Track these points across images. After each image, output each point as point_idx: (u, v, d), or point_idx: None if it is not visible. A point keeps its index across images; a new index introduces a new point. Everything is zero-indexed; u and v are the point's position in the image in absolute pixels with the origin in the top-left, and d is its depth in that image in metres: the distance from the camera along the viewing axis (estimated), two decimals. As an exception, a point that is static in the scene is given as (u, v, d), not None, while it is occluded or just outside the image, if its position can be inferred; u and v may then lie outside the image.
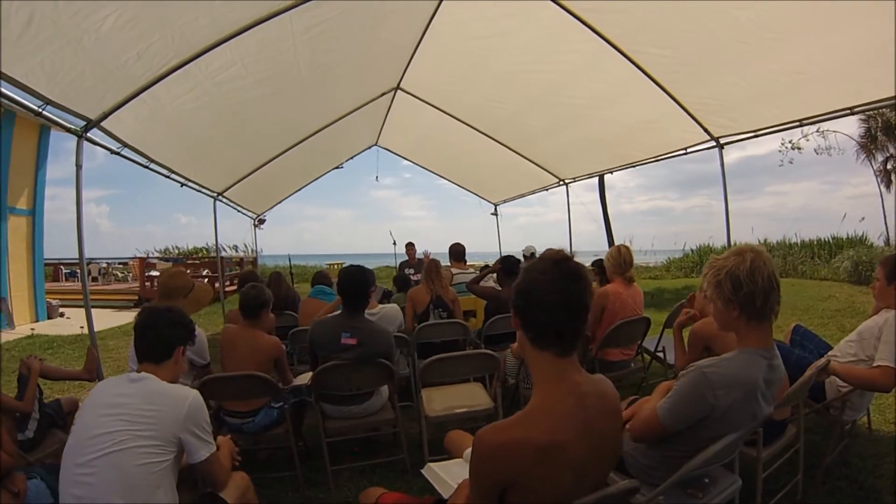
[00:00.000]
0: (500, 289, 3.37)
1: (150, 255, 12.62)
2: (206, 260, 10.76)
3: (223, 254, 12.14)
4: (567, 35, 3.42)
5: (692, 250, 13.51)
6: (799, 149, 11.04)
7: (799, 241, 12.38)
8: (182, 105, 3.06)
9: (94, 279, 12.07)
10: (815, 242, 12.09)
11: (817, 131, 10.81)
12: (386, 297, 4.36)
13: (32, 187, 7.86)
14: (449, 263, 4.49)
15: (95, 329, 2.74)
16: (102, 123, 2.69)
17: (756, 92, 3.36)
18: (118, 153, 3.00)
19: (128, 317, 7.35)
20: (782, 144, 11.21)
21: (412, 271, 5.67)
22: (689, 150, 4.32)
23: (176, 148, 3.63)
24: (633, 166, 5.01)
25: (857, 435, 2.63)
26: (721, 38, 3.00)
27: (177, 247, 14.78)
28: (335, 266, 13.29)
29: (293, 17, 2.79)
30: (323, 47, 3.42)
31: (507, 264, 3.31)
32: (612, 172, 5.21)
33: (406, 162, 7.91)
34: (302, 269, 12.63)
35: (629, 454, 1.51)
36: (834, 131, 11.20)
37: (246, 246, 11.45)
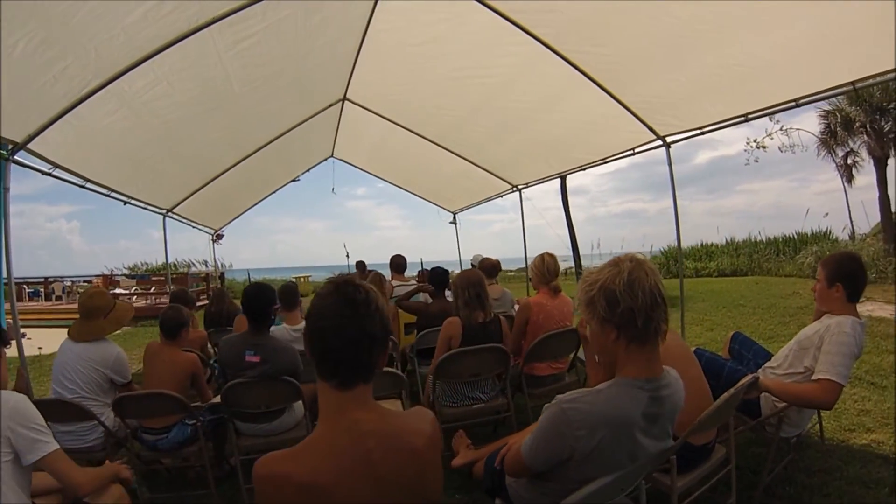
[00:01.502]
0: (430, 302, 3.50)
1: (116, 273, 12.73)
2: (175, 276, 10.85)
3: (193, 269, 12.43)
4: (501, 38, 3.52)
5: (660, 252, 14.06)
6: (763, 147, 11.56)
7: (764, 239, 13.03)
8: (111, 125, 3.10)
9: (59, 298, 12.12)
10: (780, 239, 12.66)
11: (781, 129, 11.39)
12: None
13: None
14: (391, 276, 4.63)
15: (53, 349, 2.82)
16: (30, 146, 2.73)
17: (697, 88, 3.46)
18: (49, 174, 3.04)
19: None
20: (747, 143, 11.73)
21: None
22: (636, 151, 4.49)
23: (112, 167, 3.68)
24: (583, 169, 5.13)
25: (808, 446, 2.58)
26: (656, 33, 3.04)
27: (145, 262, 14.90)
28: (302, 279, 13.51)
29: (213, 34, 2.91)
30: (254, 62, 3.47)
31: (435, 276, 3.44)
32: (562, 177, 5.39)
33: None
34: (270, 282, 12.83)
35: (512, 486, 1.45)
36: (797, 129, 11.81)
37: (216, 261, 11.63)
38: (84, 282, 12.88)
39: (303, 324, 3.20)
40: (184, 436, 2.39)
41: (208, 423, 2.50)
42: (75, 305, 11.91)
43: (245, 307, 2.50)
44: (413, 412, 1.09)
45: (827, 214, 12.87)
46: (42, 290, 12.52)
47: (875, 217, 11.75)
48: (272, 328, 3.11)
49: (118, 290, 9.03)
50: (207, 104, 3.64)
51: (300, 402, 2.52)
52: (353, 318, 0.93)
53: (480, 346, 2.49)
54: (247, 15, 2.89)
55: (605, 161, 4.82)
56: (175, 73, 3.06)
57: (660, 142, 4.17)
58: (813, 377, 1.91)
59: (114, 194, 3.90)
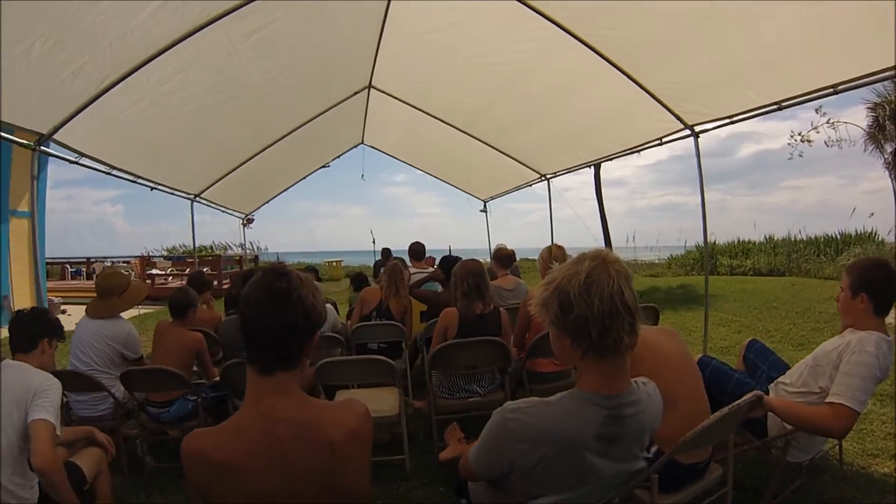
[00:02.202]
0: (440, 291, 3.54)
1: (154, 254, 13.77)
2: (209, 258, 11.64)
3: (229, 252, 13.33)
4: (519, 23, 3.44)
5: (694, 247, 13.65)
6: (809, 141, 10.90)
7: (805, 238, 12.41)
8: (132, 115, 3.32)
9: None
10: (822, 239, 11.98)
11: (828, 122, 10.67)
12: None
13: (34, 189, 8.80)
14: (410, 263, 4.70)
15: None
16: (56, 136, 3.00)
17: (724, 73, 3.25)
18: (76, 162, 3.33)
19: (125, 314, 8.15)
20: (791, 137, 11.09)
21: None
22: (664, 140, 4.28)
23: (136, 155, 3.93)
24: (610, 159, 4.95)
25: (824, 470, 2.39)
26: (676, 13, 2.87)
27: (183, 244, 16.04)
28: (333, 263, 14.02)
29: (225, 27, 3.06)
30: (270, 52, 3.59)
31: (445, 265, 3.46)
32: (589, 166, 5.22)
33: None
34: (302, 265, 13.40)
35: (472, 488, 1.43)
36: (845, 122, 11.03)
37: (251, 244, 12.41)
38: (123, 262, 14.12)
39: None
40: (185, 410, 2.59)
41: (210, 399, 2.69)
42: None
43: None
44: (342, 404, 1.09)
45: (872, 214, 12.10)
46: (84, 269, 13.84)
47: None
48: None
49: (154, 271, 9.76)
50: (226, 94, 3.81)
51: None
52: (272, 306, 0.98)
53: (477, 339, 2.50)
54: (254, 8, 3.00)
55: (632, 151, 4.62)
56: (191, 66, 3.24)
57: (688, 131, 3.96)
58: (826, 400, 1.72)
59: (140, 181, 4.20)
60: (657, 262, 14.16)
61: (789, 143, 11.15)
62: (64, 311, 8.82)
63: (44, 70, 2.52)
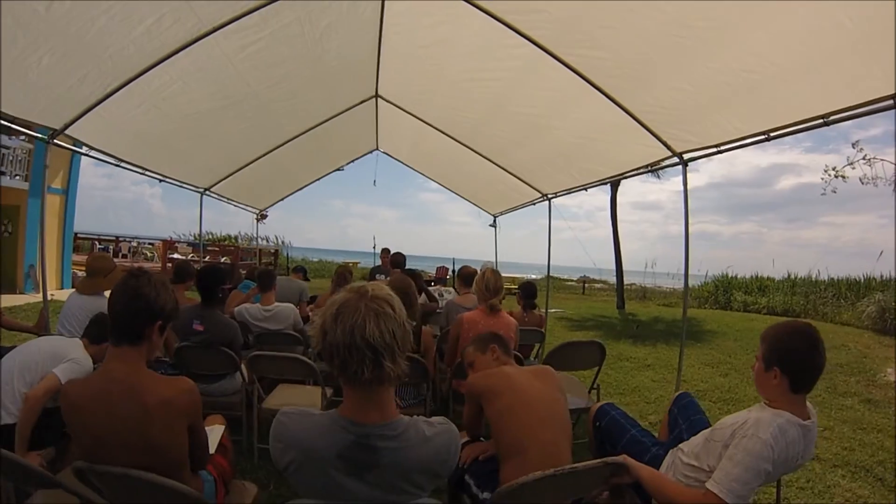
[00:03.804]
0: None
1: (179, 240, 15.16)
2: (231, 248, 12.74)
3: (254, 244, 14.64)
4: (500, 41, 3.61)
5: (712, 279, 14.03)
6: (843, 177, 10.53)
7: (826, 278, 12.41)
8: (137, 116, 3.83)
9: (124, 256, 15.27)
10: (843, 281, 11.85)
11: (864, 159, 10.24)
12: None
13: (68, 169, 10.55)
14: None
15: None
16: (67, 132, 3.55)
17: (705, 99, 3.25)
18: (87, 154, 3.93)
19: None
20: (825, 171, 10.76)
21: (383, 277, 6.20)
22: (653, 168, 4.30)
23: (144, 151, 4.48)
24: (604, 182, 4.96)
25: None
26: (649, 34, 2.90)
27: (210, 232, 17.52)
28: (349, 264, 14.66)
29: (218, 41, 3.50)
30: (265, 63, 3.99)
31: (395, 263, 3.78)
32: (586, 189, 5.25)
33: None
34: (328, 265, 14.17)
35: None
36: (881, 159, 10.50)
37: (276, 237, 13.44)
38: (148, 244, 15.66)
39: (275, 304, 3.79)
40: None
41: (167, 374, 3.13)
42: (137, 264, 15.02)
43: (197, 284, 3.09)
44: (170, 379, 1.56)
45: (902, 257, 11.37)
46: (112, 246, 15.67)
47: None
48: (249, 305, 3.74)
49: (175, 255, 10.81)
50: (225, 100, 4.29)
51: (240, 371, 3.06)
52: (123, 297, 1.47)
53: None
54: (245, 24, 3.44)
55: (623, 176, 4.65)
56: (189, 75, 3.71)
57: (676, 158, 3.97)
58: (706, 483, 1.58)
59: (148, 173, 4.77)
60: (671, 291, 14.34)
61: (822, 179, 10.92)
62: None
63: (53, 76, 3.05)
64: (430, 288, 5.60)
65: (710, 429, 1.78)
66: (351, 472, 1.16)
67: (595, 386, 3.28)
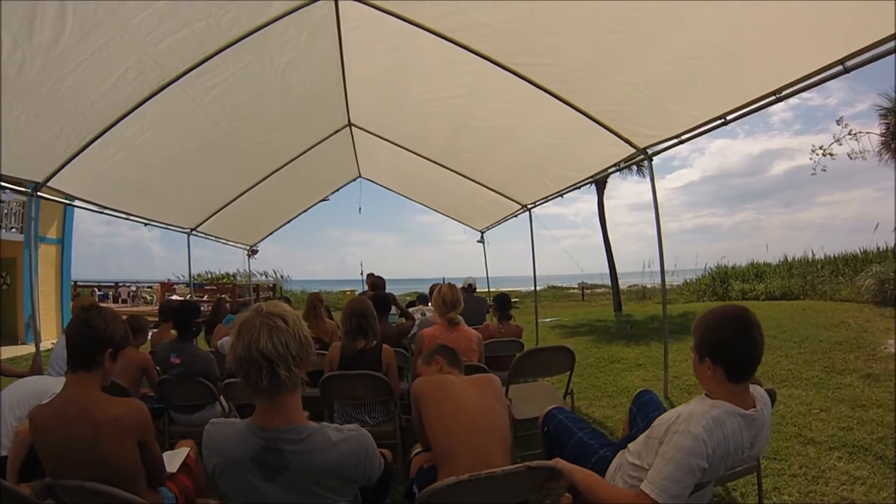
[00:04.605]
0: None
1: (176, 281, 15.60)
2: (229, 285, 13.18)
3: (255, 279, 15.13)
4: (451, 59, 3.81)
5: (709, 272, 14.23)
6: (831, 154, 10.94)
7: (822, 257, 12.51)
8: (114, 165, 4.09)
9: (124, 301, 15.65)
10: (840, 258, 11.91)
11: (850, 134, 10.64)
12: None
13: (62, 219, 11.05)
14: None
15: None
16: (49, 184, 3.81)
17: (655, 90, 3.39)
18: (70, 204, 4.30)
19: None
20: (813, 151, 11.11)
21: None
22: (621, 167, 4.46)
23: (125, 197, 4.73)
24: (577, 187, 5.11)
25: None
26: (591, 32, 3.04)
27: (209, 272, 18.15)
28: (347, 292, 14.94)
29: (182, 87, 3.75)
30: (232, 103, 4.24)
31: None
32: (562, 195, 5.40)
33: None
34: (325, 295, 14.51)
35: None
36: (868, 133, 10.92)
37: (275, 272, 13.93)
38: (147, 287, 16.12)
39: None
40: None
41: (153, 410, 3.29)
42: (137, 308, 15.45)
43: (173, 319, 3.30)
44: (121, 400, 1.71)
45: (896, 229, 11.20)
46: (111, 292, 16.10)
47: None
48: (228, 337, 3.92)
49: (174, 297, 11.19)
50: (199, 142, 4.55)
51: (219, 401, 3.19)
52: (76, 328, 1.69)
53: (356, 372, 2.82)
54: (206, 69, 3.72)
55: (593, 178, 4.81)
56: (159, 121, 3.97)
57: (641, 154, 4.10)
58: (642, 483, 1.50)
59: (132, 218, 5.06)
60: (669, 287, 14.47)
61: (811, 158, 11.25)
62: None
63: (31, 133, 3.31)
64: (413, 308, 5.74)
65: (652, 426, 1.68)
66: (264, 475, 1.29)
67: (569, 392, 3.32)
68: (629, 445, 1.77)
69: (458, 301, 3.18)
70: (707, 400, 1.56)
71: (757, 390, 1.64)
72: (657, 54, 3.08)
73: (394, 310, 4.93)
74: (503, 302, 4.42)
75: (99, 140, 3.76)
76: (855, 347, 5.78)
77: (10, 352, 8.33)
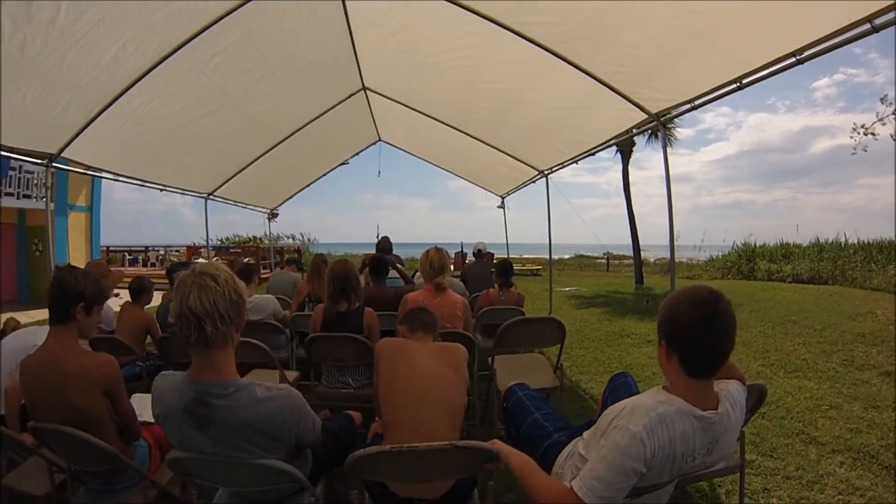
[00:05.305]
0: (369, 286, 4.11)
1: (200, 244, 16.39)
2: (253, 248, 13.91)
3: (281, 242, 15.86)
4: (454, 20, 3.73)
5: (736, 249, 13.97)
6: (874, 134, 10.00)
7: (856, 241, 12.12)
8: (124, 134, 4.29)
9: (153, 264, 16.85)
10: (874, 244, 11.52)
11: (894, 113, 9.58)
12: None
13: (90, 188, 11.79)
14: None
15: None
16: (63, 155, 4.08)
17: (664, 51, 3.21)
18: (85, 174, 4.58)
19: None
20: (853, 130, 10.21)
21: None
22: (633, 132, 4.27)
23: (139, 164, 4.97)
24: (592, 153, 4.92)
25: None
26: None
27: (237, 235, 19.23)
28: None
29: (184, 57, 3.87)
30: (237, 69, 4.31)
31: (373, 263, 4.08)
32: (576, 162, 5.24)
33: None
34: (351, 258, 15.16)
35: None
36: None
37: (302, 235, 14.68)
38: (174, 250, 17.01)
39: (255, 296, 4.21)
40: (132, 373, 3.47)
41: (154, 365, 3.55)
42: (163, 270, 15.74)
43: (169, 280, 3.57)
44: (95, 354, 1.91)
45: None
46: (141, 257, 17.26)
47: None
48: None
49: (199, 259, 11.86)
50: (206, 108, 4.66)
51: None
52: (51, 286, 1.89)
53: (339, 335, 2.93)
54: (207, 37, 3.81)
55: (606, 145, 4.62)
56: (165, 89, 4.11)
57: (654, 120, 3.91)
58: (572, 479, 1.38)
59: (147, 184, 5.32)
60: (694, 263, 14.83)
61: (851, 137, 10.31)
62: (116, 295, 11.25)
63: (40, 109, 3.56)
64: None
65: (601, 415, 1.51)
66: (195, 425, 1.41)
67: (559, 365, 3.35)
68: (585, 433, 1.63)
69: (446, 266, 3.22)
70: (662, 393, 1.39)
71: (729, 388, 1.45)
72: (667, 8, 2.87)
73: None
74: (505, 268, 4.45)
75: (107, 111, 3.94)
76: (879, 341, 5.44)
77: (44, 314, 9.13)
